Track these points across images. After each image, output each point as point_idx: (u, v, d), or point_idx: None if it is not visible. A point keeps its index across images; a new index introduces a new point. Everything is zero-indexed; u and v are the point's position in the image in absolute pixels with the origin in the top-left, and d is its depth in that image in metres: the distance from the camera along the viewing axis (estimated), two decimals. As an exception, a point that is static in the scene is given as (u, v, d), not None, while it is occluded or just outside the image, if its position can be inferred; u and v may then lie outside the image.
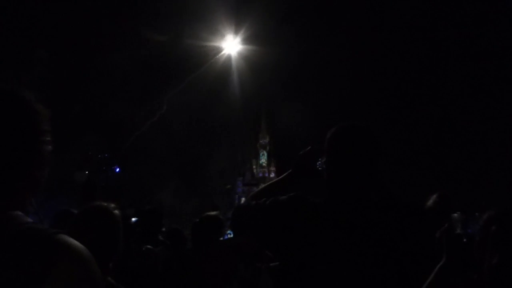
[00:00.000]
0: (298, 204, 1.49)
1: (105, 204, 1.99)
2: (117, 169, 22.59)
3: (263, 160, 56.24)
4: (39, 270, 0.77)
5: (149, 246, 2.38)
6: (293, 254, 1.43)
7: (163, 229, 4.90)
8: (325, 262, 1.38)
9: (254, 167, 55.47)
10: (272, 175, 55.57)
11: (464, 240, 2.27)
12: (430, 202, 3.38)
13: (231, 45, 28.24)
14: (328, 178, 1.56)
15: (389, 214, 1.45)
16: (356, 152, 1.50)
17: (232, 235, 3.81)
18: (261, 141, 56.55)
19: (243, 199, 49.83)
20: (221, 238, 3.61)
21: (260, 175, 54.78)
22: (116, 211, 1.98)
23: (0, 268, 0.77)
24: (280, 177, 1.81)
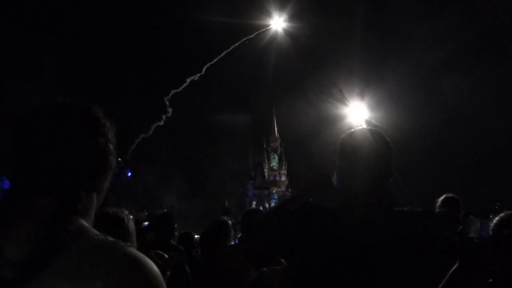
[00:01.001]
0: (311, 210, 1.49)
1: (117, 210, 2.00)
2: (129, 173, 22.66)
3: (274, 163, 56.20)
4: (107, 283, 0.79)
5: (159, 251, 2.39)
6: (305, 258, 1.43)
7: (175, 233, 4.92)
8: (336, 267, 1.37)
9: (265, 170, 55.45)
10: (283, 178, 55.48)
11: (477, 243, 2.24)
12: (437, 205, 3.32)
13: (277, 23, 28.58)
14: (339, 182, 1.56)
15: (401, 219, 1.44)
16: (368, 157, 1.50)
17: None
18: (271, 144, 56.53)
19: (254, 203, 49.84)
20: (232, 242, 3.61)
21: (271, 178, 54.74)
22: (128, 217, 1.99)
23: (71, 280, 0.78)
24: (292, 196, 1.83)
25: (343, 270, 1.37)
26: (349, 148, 1.54)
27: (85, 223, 0.90)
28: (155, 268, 0.87)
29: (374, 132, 1.55)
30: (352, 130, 1.58)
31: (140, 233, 4.04)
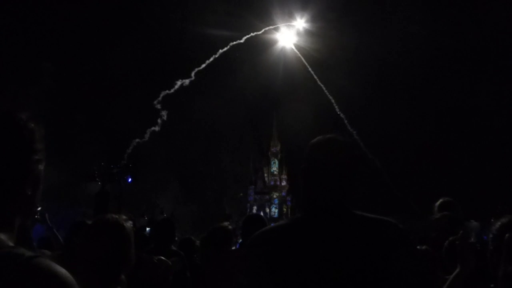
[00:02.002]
0: (260, 239, 1.52)
1: (116, 216, 1.98)
2: (129, 179, 22.69)
3: (275, 168, 56.10)
4: None
5: (161, 257, 2.38)
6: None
7: (176, 238, 4.92)
8: (302, 278, 1.38)
9: (265, 175, 55.33)
10: (284, 183, 55.35)
11: (478, 247, 2.23)
12: (435, 210, 3.28)
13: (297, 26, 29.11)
14: (303, 185, 1.59)
15: (364, 228, 1.46)
16: (331, 165, 1.53)
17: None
18: (272, 149, 56.45)
19: (254, 208, 49.69)
20: (233, 248, 3.62)
21: (272, 183, 54.59)
22: (127, 223, 1.97)
23: None
24: None
25: (313, 282, 1.38)
26: (314, 154, 1.59)
27: None
28: (65, 277, 0.84)
29: (342, 141, 1.60)
30: (321, 137, 1.62)
31: (144, 240, 4.05)
